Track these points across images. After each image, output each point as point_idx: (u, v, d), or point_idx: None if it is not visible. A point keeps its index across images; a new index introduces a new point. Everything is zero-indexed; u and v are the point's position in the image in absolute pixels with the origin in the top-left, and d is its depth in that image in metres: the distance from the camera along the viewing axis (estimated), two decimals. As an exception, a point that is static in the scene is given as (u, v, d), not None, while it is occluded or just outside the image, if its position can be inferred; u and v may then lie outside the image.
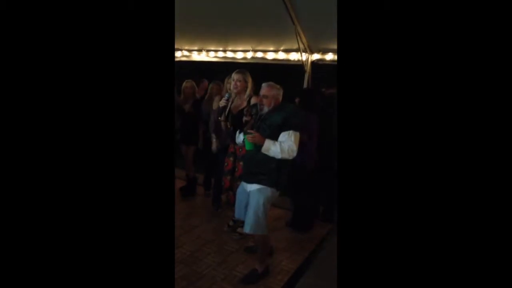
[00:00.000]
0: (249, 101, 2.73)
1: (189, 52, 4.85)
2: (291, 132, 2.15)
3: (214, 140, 3.35)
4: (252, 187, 2.27)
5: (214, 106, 3.27)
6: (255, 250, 2.61)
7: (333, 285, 2.21)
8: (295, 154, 2.16)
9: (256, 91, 2.86)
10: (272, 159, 2.17)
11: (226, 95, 2.70)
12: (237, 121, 2.67)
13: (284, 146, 2.13)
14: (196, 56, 4.84)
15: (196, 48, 4.77)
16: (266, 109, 2.25)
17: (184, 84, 3.71)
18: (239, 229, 3.01)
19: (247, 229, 2.28)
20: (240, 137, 2.43)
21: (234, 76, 2.78)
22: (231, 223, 3.13)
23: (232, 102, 2.78)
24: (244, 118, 2.33)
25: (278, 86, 2.31)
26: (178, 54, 4.85)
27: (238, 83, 2.75)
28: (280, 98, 2.30)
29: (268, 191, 2.24)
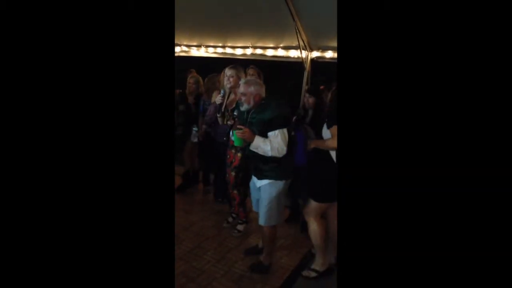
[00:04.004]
0: None
1: (188, 48, 4.83)
2: (277, 132, 2.13)
3: (196, 128, 3.32)
4: (262, 182, 2.29)
5: (212, 99, 3.28)
6: (256, 251, 2.63)
7: (332, 282, 2.25)
8: (285, 152, 2.15)
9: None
10: (271, 158, 2.17)
11: (222, 91, 2.71)
12: (233, 116, 2.70)
13: (274, 144, 2.13)
14: (195, 52, 4.82)
15: (195, 43, 4.75)
16: (246, 107, 2.22)
17: (188, 79, 3.72)
18: (238, 226, 3.02)
19: (261, 222, 2.34)
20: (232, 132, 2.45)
21: (227, 72, 2.81)
22: (230, 219, 3.14)
23: (228, 97, 2.79)
24: (228, 122, 2.35)
25: (258, 81, 2.27)
26: (176, 49, 4.82)
27: (231, 79, 2.77)
28: (262, 93, 2.24)
29: (280, 183, 2.26)
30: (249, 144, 2.16)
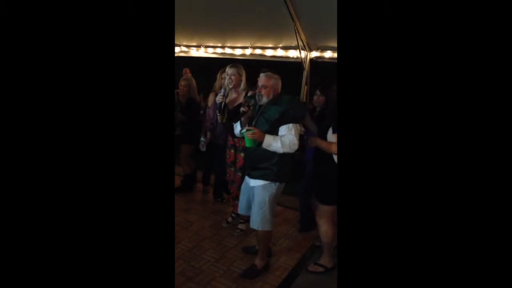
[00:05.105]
0: (246, 95, 2.74)
1: (187, 48, 4.84)
2: (290, 125, 2.14)
3: (204, 138, 3.36)
4: (256, 182, 2.27)
5: (209, 102, 3.28)
6: (253, 251, 2.63)
7: (332, 282, 2.25)
8: (296, 147, 2.16)
9: (251, 85, 2.87)
10: (273, 153, 2.17)
11: (222, 90, 2.70)
12: (233, 115, 2.68)
13: (285, 140, 2.12)
14: (194, 52, 4.82)
15: (194, 44, 4.76)
16: (265, 100, 2.22)
17: (180, 81, 3.65)
18: (240, 225, 3.03)
19: (254, 225, 2.31)
20: (237, 128, 2.40)
21: (228, 70, 2.80)
22: (229, 219, 3.15)
23: (227, 96, 2.78)
24: (242, 109, 2.29)
25: (277, 76, 2.26)
26: (176, 49, 4.82)
27: (233, 77, 2.76)
28: (279, 88, 2.27)
29: (273, 187, 2.25)
30: (259, 143, 2.15)
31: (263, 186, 2.24)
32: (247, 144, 2.21)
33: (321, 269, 2.48)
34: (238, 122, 2.36)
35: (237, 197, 3.03)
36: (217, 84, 3.21)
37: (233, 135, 2.83)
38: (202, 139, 3.37)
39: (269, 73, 2.26)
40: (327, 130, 2.28)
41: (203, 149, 3.39)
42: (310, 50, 3.95)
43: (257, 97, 2.27)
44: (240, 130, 2.27)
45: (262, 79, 2.24)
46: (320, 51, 3.92)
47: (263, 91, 2.22)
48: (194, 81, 3.69)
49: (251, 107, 2.28)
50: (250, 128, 2.16)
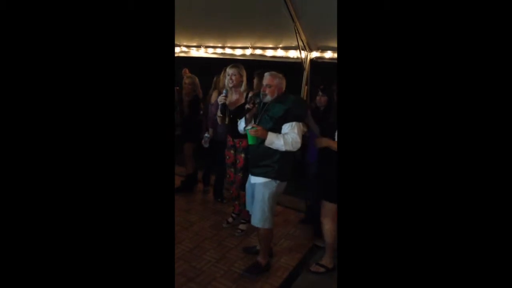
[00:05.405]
0: (246, 96, 2.74)
1: (187, 48, 4.84)
2: (294, 123, 2.16)
3: (208, 134, 3.39)
4: (257, 179, 2.30)
5: (212, 100, 3.28)
6: (254, 251, 2.63)
7: (332, 283, 2.25)
8: (299, 145, 2.18)
9: (251, 85, 2.87)
10: (275, 151, 2.19)
11: (224, 91, 2.70)
12: (234, 115, 2.68)
13: (287, 138, 2.14)
14: (194, 52, 4.82)
15: (194, 44, 4.76)
16: (269, 98, 2.24)
17: (184, 79, 3.69)
18: (241, 225, 3.03)
19: (254, 222, 2.33)
20: (241, 125, 2.41)
21: (229, 70, 2.80)
22: (230, 219, 3.14)
23: (227, 96, 2.78)
24: (247, 106, 2.32)
25: (281, 75, 2.30)
26: (176, 50, 4.83)
27: (234, 77, 2.77)
28: (283, 87, 2.30)
29: (273, 184, 2.26)
30: (262, 141, 2.17)
31: (264, 184, 2.26)
32: (250, 141, 2.23)
33: (322, 270, 2.48)
34: (243, 119, 2.38)
35: (237, 198, 3.04)
36: (220, 82, 3.22)
37: (233, 136, 2.83)
38: (206, 135, 3.39)
39: (274, 73, 2.29)
40: (332, 129, 2.29)
41: (206, 145, 3.41)
42: (310, 50, 3.95)
43: (261, 96, 2.29)
44: (244, 127, 2.29)
45: (266, 78, 2.27)
46: (320, 51, 3.92)
47: (267, 90, 2.25)
48: (197, 79, 3.73)
49: (256, 105, 2.30)
50: (254, 125, 2.18)
